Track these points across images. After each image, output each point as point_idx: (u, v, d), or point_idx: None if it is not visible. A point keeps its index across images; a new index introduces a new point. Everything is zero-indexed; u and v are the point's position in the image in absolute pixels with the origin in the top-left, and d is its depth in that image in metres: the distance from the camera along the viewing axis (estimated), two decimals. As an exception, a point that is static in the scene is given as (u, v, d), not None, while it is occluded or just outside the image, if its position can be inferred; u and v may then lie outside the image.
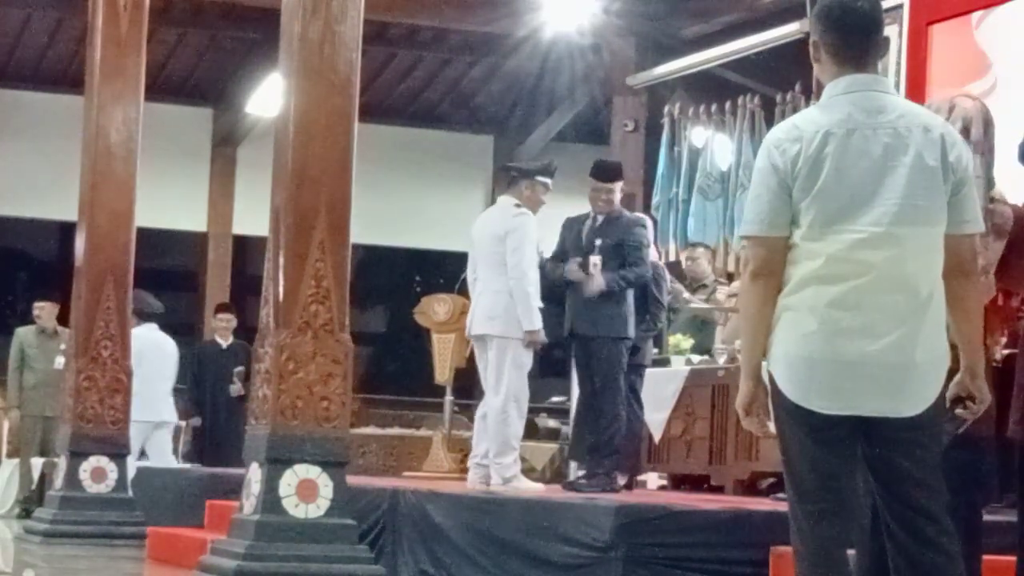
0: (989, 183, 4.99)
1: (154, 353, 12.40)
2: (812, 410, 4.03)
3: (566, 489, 9.21)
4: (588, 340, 9.13)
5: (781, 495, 8.58)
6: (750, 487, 9.95)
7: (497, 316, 9.02)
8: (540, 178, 9.27)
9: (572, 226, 9.39)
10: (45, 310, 13.90)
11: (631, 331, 9.16)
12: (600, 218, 9.22)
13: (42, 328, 13.94)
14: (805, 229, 4.04)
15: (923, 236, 4.03)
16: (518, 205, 9.19)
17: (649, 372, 10.27)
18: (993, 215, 4.91)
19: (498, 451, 8.98)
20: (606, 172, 9.37)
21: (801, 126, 4.10)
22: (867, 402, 4.01)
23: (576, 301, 9.11)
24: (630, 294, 9.16)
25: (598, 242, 9.10)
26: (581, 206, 9.50)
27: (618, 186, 9.31)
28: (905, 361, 3.98)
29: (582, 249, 9.14)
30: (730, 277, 12.68)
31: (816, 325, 3.99)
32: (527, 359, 9.07)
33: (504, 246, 9.05)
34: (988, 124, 4.82)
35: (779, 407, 4.11)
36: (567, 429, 13.15)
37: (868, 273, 3.99)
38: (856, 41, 4.14)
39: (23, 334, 13.95)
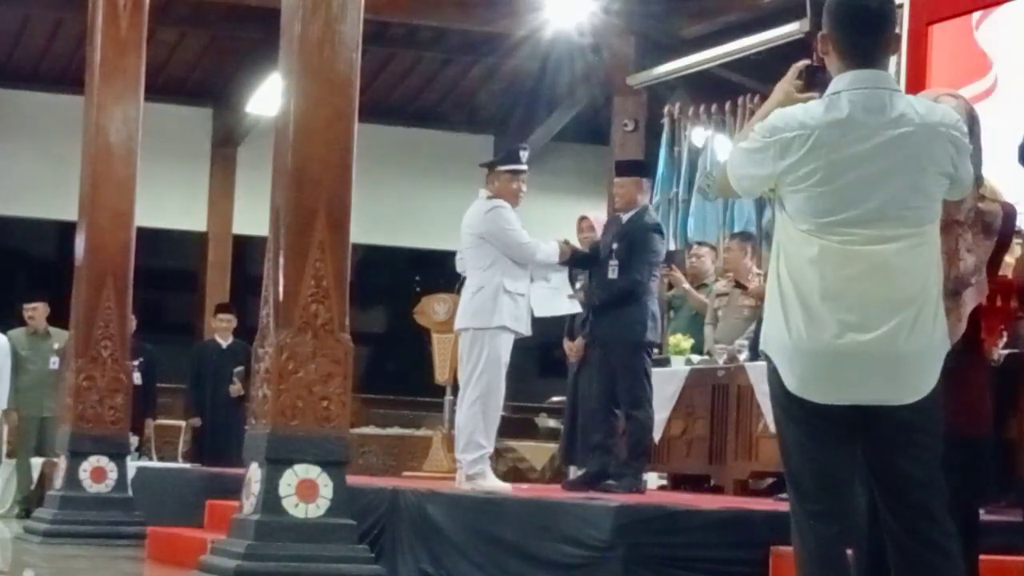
0: (976, 181, 4.97)
1: None
2: (811, 401, 4.03)
3: (567, 489, 9.19)
4: (608, 344, 9.05)
5: (783, 495, 8.60)
6: (745, 486, 9.95)
7: (471, 311, 8.69)
8: (501, 168, 8.84)
9: (608, 226, 9.32)
10: (38, 311, 13.86)
11: (650, 335, 9.03)
12: (624, 218, 9.13)
13: (34, 329, 13.88)
14: (800, 222, 4.06)
15: (916, 235, 4.04)
16: (490, 197, 8.79)
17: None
18: (983, 214, 4.89)
19: (463, 447, 8.67)
20: (621, 166, 9.35)
21: (801, 119, 4.09)
22: (864, 391, 4.01)
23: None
24: (652, 299, 9.09)
25: (615, 245, 9.02)
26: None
27: (632, 181, 9.12)
28: (897, 351, 3.99)
29: (605, 250, 9.09)
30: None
31: (811, 316, 4.01)
32: (504, 354, 8.66)
33: (479, 241, 8.72)
34: (973, 122, 4.80)
35: (778, 400, 4.12)
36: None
37: (861, 268, 3.99)
38: (861, 38, 4.13)
39: (13, 337, 13.87)
